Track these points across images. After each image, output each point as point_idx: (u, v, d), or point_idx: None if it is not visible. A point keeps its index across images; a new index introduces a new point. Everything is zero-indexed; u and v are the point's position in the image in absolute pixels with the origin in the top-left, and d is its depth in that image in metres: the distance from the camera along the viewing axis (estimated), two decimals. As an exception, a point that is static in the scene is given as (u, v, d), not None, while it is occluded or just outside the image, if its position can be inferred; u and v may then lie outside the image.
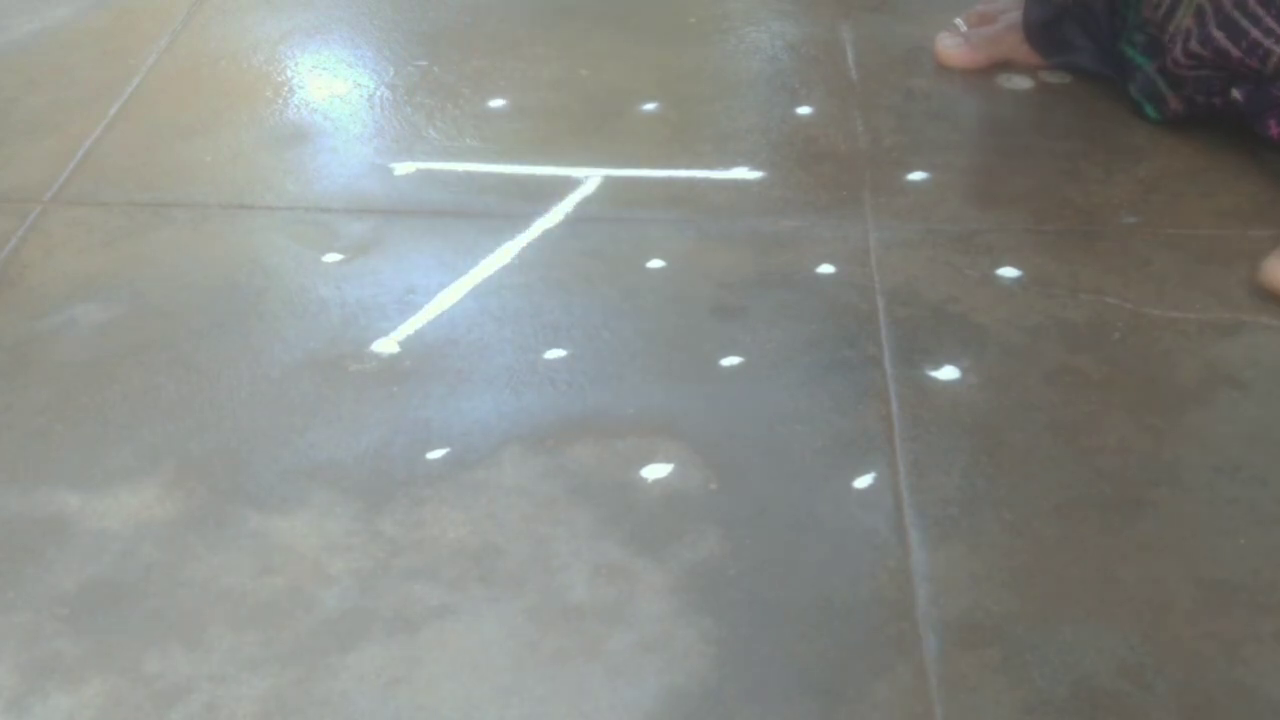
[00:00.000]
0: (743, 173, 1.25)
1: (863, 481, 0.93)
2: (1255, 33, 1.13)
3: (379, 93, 1.38)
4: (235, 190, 1.24)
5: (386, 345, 1.05)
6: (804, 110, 1.35)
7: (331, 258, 1.15)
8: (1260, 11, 1.13)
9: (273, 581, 0.87)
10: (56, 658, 0.82)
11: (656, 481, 0.93)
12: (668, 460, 0.95)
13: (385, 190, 1.23)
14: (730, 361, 1.03)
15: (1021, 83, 1.38)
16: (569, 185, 1.23)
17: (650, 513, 0.91)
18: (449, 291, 1.10)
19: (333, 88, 1.40)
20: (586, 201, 1.21)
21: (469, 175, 1.25)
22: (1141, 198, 1.20)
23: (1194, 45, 1.17)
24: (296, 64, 1.45)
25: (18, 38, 1.50)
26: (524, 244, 1.16)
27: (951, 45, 1.40)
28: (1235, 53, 1.14)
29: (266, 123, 1.34)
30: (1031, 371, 1.02)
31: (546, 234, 1.17)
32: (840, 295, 1.10)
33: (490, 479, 0.93)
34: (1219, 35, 1.15)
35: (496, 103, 1.36)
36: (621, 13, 1.54)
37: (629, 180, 1.24)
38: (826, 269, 1.12)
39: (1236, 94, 1.18)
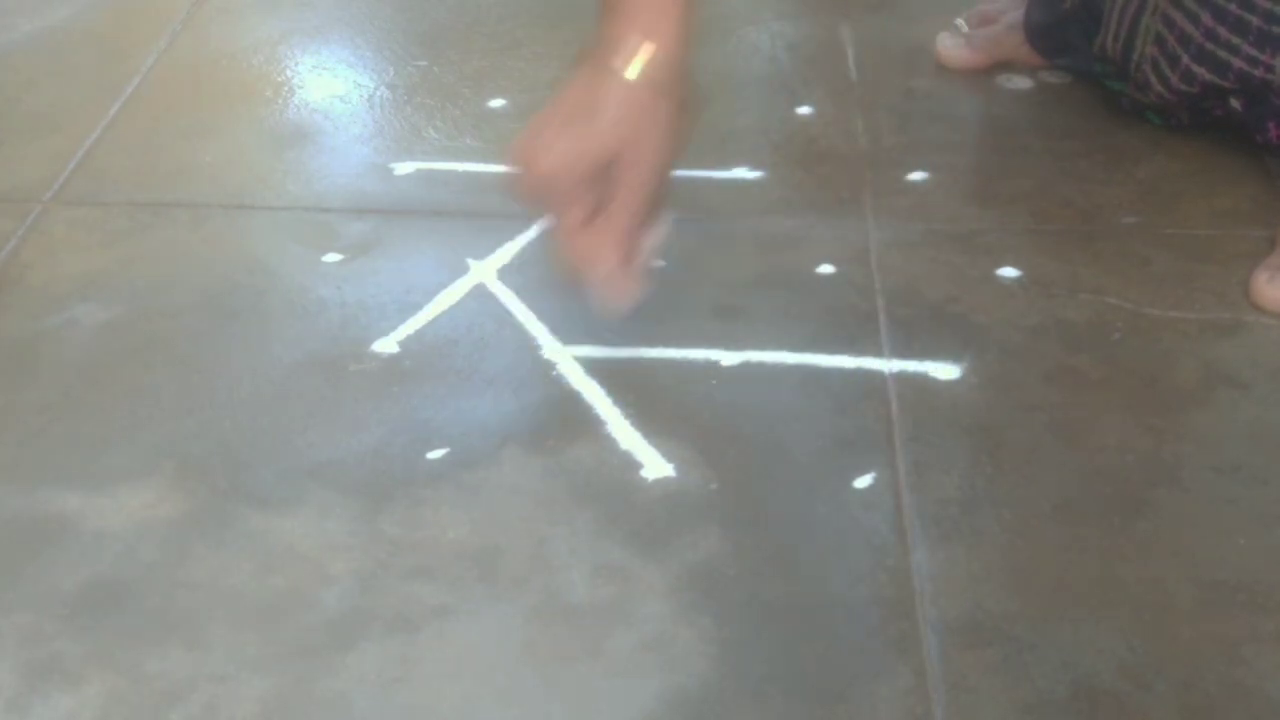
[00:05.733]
0: (743, 173, 1.25)
1: (863, 481, 0.93)
2: (1239, 62, 1.11)
3: (379, 93, 1.38)
4: (235, 190, 1.24)
5: (386, 345, 1.05)
6: (804, 110, 1.35)
7: (331, 258, 1.15)
8: (1235, 39, 1.11)
9: (273, 581, 0.87)
10: (56, 658, 0.82)
11: (656, 481, 0.93)
12: (668, 460, 0.95)
13: (385, 190, 1.23)
14: (730, 361, 1.03)
15: (1021, 83, 1.38)
16: (569, 185, 1.23)
17: (650, 513, 0.91)
18: (449, 291, 1.11)
19: (333, 88, 1.40)
20: (586, 201, 1.21)
21: (469, 175, 1.25)
22: (1141, 198, 1.20)
23: (1177, 83, 1.16)
24: (296, 64, 1.45)
25: (18, 38, 1.50)
26: (524, 244, 1.16)
27: (952, 46, 1.40)
28: (1226, 85, 1.14)
29: (266, 123, 1.34)
30: (1031, 371, 1.02)
31: (547, 234, 1.17)
32: (840, 295, 1.10)
33: (490, 479, 0.94)
34: (1201, 70, 1.14)
35: (496, 103, 1.36)
36: (621, 13, 1.53)
37: (629, 180, 1.24)
38: (826, 269, 1.13)
39: (1235, 103, 1.18)
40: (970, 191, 1.22)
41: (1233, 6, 1.10)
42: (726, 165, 1.26)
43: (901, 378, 1.01)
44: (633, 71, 0.93)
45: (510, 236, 1.16)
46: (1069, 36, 1.34)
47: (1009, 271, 1.12)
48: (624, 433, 0.97)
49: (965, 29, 1.42)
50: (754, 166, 1.26)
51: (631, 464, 0.94)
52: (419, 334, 1.06)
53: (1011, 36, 1.39)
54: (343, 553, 0.88)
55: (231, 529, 0.90)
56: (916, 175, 1.24)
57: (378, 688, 0.80)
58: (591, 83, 0.94)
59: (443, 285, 1.11)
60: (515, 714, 0.78)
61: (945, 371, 1.02)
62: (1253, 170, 1.22)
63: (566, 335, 1.05)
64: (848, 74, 1.41)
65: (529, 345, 1.05)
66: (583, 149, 0.94)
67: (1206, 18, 1.12)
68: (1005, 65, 1.40)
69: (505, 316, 1.08)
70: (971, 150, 1.30)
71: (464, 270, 1.13)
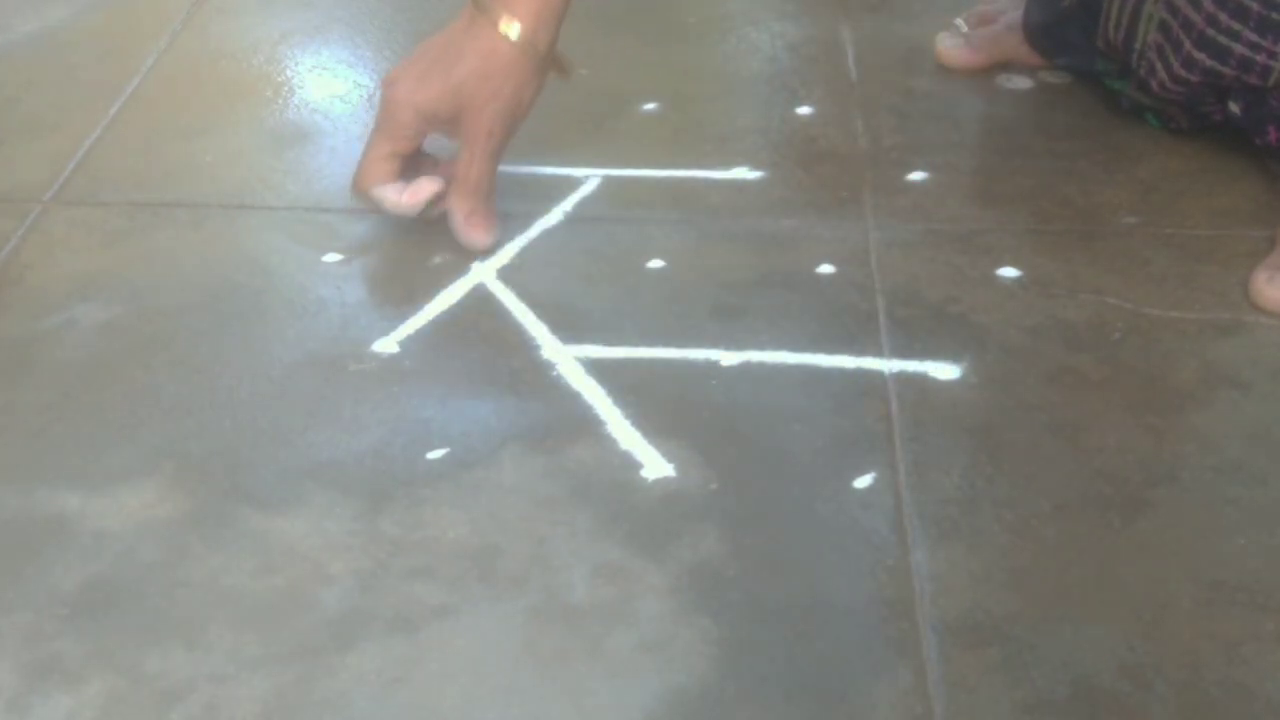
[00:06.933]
0: (743, 173, 1.25)
1: (863, 481, 0.93)
2: (1240, 49, 1.11)
3: (379, 93, 1.38)
4: (235, 190, 1.24)
5: (386, 345, 1.05)
6: (804, 110, 1.35)
7: (331, 258, 1.15)
8: (1236, 25, 1.10)
9: (273, 581, 0.87)
10: (56, 658, 0.82)
11: (656, 481, 0.93)
12: (668, 460, 0.95)
13: (385, 190, 1.23)
14: (730, 361, 1.03)
15: (1021, 83, 1.38)
16: (569, 185, 1.23)
17: (650, 513, 0.91)
18: (449, 291, 1.11)
19: (333, 88, 1.40)
20: (586, 201, 1.21)
21: (469, 175, 1.25)
22: (1141, 198, 1.20)
23: (1179, 70, 1.16)
24: (296, 64, 1.45)
25: (18, 38, 1.50)
26: (524, 244, 1.16)
27: (952, 46, 1.40)
28: (1228, 72, 1.13)
29: (266, 123, 1.34)
30: (1031, 371, 1.02)
31: (546, 234, 1.17)
32: (840, 295, 1.10)
33: (490, 479, 0.94)
34: (1202, 56, 1.13)
35: (496, 103, 1.36)
36: (621, 13, 1.54)
37: (629, 180, 1.24)
38: (826, 269, 1.13)
39: (1234, 107, 1.18)
40: (970, 191, 1.22)
41: None
42: (726, 165, 1.26)
43: (901, 378, 1.01)
44: (512, 31, 1.03)
45: (510, 236, 1.16)
46: (1068, 36, 1.34)
47: (1009, 271, 1.12)
48: (624, 433, 0.97)
49: (965, 29, 1.42)
50: (754, 166, 1.26)
51: (631, 464, 0.94)
52: (419, 334, 1.06)
53: (1011, 36, 1.39)
54: (343, 553, 0.88)
55: (231, 529, 0.90)
56: (916, 175, 1.24)
57: (378, 688, 0.80)
58: (470, 31, 1.05)
59: (443, 285, 1.11)
60: (515, 714, 0.78)
61: (945, 371, 1.02)
62: (1253, 170, 1.22)
63: (566, 335, 1.05)
64: (848, 74, 1.41)
65: (529, 345, 1.05)
66: (433, 94, 1.06)
67: (1208, 3, 1.11)
68: (1005, 65, 1.40)
69: (505, 316, 1.08)
70: (971, 150, 1.30)
71: (464, 270, 1.13)
